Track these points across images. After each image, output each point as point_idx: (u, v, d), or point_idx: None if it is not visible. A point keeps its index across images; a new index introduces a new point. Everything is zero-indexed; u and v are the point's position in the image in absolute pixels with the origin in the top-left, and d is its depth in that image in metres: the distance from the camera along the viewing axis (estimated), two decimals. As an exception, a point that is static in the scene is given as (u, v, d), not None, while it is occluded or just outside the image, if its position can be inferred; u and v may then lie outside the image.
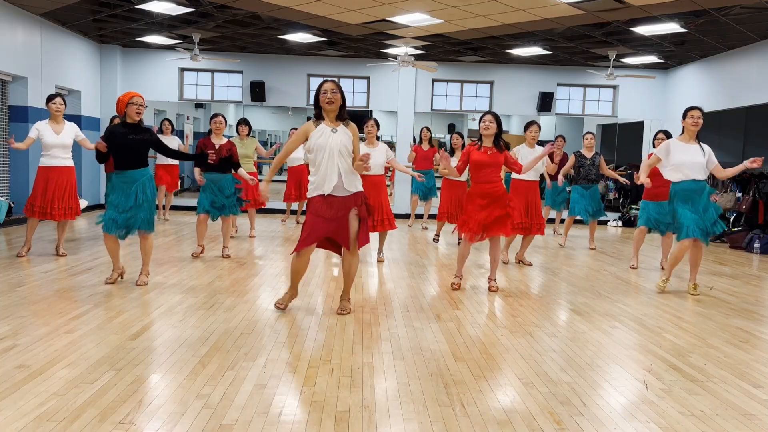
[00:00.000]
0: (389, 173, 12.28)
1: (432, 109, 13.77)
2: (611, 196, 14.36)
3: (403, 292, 5.79)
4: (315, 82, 13.44)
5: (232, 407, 3.01)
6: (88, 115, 12.17)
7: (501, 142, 5.73)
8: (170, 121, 10.55)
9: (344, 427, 2.85)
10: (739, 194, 11.11)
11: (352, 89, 13.45)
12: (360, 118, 15.14)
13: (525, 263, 7.49)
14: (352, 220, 4.65)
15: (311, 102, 13.20)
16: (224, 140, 7.16)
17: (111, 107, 12.14)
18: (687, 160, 5.81)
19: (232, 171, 7.14)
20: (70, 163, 6.87)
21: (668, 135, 7.42)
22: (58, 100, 6.77)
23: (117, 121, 10.37)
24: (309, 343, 4.10)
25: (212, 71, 13.35)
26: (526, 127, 7.24)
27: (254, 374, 3.47)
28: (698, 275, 6.15)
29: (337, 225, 4.63)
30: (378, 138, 7.24)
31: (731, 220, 11.27)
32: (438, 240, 8.96)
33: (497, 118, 5.74)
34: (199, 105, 15.11)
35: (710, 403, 3.29)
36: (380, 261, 7.39)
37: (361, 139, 7.10)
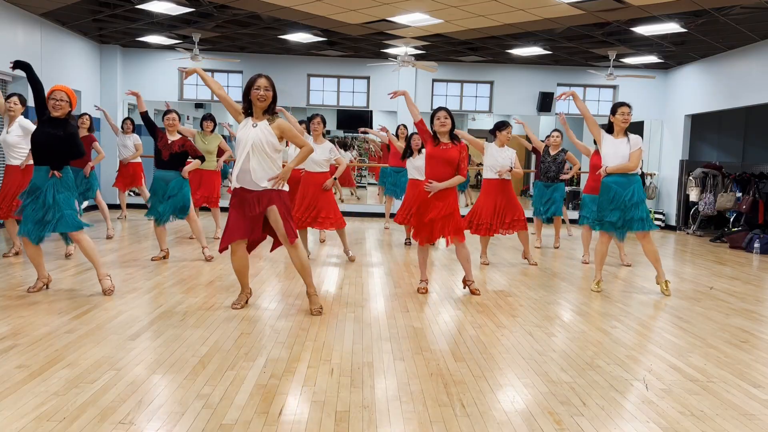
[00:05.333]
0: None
1: (432, 109, 13.73)
2: None
3: (403, 292, 5.79)
4: (315, 82, 13.44)
5: (232, 407, 3.01)
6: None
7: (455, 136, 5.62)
8: (132, 120, 10.32)
9: (344, 427, 2.85)
10: (739, 194, 11.11)
11: (352, 89, 13.42)
12: (361, 118, 15.07)
13: (530, 262, 7.47)
14: (274, 216, 4.63)
15: (311, 102, 13.36)
16: (177, 137, 6.87)
17: (111, 107, 12.15)
18: (611, 153, 5.84)
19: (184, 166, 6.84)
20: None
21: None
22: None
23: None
24: (309, 343, 4.10)
25: (212, 71, 13.34)
26: (502, 126, 7.17)
27: (254, 374, 3.47)
28: (700, 275, 6.12)
29: (255, 221, 4.66)
30: (324, 135, 7.22)
31: (731, 220, 11.28)
32: (409, 243, 8.75)
33: (451, 114, 5.64)
34: (199, 105, 15.09)
35: (710, 403, 3.29)
36: (351, 260, 7.30)
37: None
